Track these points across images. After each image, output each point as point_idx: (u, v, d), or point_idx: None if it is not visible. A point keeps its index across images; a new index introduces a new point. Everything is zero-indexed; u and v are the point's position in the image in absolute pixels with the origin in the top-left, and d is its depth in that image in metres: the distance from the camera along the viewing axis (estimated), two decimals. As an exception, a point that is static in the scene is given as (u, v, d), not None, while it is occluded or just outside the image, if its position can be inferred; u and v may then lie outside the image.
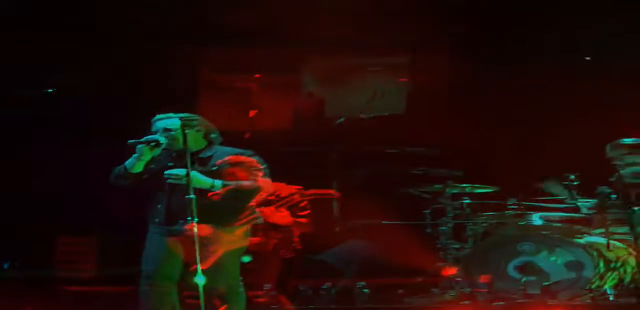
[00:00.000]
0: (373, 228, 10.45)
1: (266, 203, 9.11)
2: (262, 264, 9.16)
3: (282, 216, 9.27)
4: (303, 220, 9.37)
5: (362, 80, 11.80)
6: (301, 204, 9.45)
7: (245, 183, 7.44)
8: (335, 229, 10.51)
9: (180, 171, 7.36)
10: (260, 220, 7.82)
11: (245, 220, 7.52)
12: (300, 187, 9.53)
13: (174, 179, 7.35)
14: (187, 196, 7.12)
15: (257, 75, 11.55)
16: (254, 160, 7.60)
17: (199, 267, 7.02)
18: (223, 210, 7.43)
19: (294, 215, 9.41)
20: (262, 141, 10.67)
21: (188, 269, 7.35)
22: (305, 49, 11.31)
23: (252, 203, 7.63)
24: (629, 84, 10.67)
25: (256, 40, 10.80)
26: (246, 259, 9.10)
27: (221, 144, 7.78)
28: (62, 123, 10.86)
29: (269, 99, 11.47)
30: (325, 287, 9.58)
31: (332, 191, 9.65)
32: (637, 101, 10.55)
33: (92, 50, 10.85)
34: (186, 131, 7.47)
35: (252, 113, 11.38)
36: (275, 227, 9.24)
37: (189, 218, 7.01)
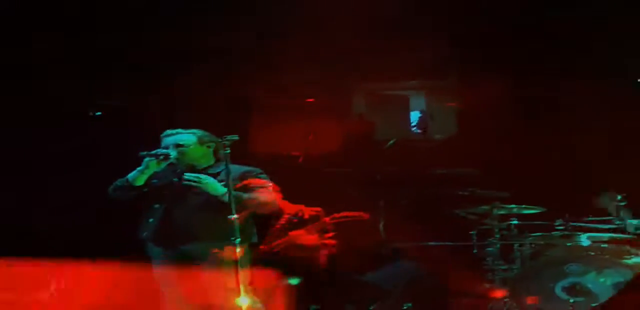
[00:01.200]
0: (420, 249, 10.46)
1: (294, 226, 9.34)
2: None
3: (311, 238, 9.39)
4: (330, 241, 9.46)
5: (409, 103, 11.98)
6: (328, 226, 9.55)
7: (252, 196, 7.52)
8: (382, 250, 10.50)
9: (201, 176, 7.45)
10: (255, 239, 7.84)
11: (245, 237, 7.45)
12: (319, 209, 9.59)
13: (193, 181, 7.41)
14: (229, 216, 7.11)
15: (310, 99, 11.73)
16: (263, 180, 7.72)
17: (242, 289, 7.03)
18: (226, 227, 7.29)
19: (321, 237, 9.53)
20: (312, 162, 10.87)
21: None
22: (353, 72, 11.41)
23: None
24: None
25: (306, 63, 10.92)
26: (294, 281, 9.37)
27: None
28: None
29: (321, 122, 11.60)
30: (372, 308, 9.65)
31: (361, 213, 9.67)
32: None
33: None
34: (203, 147, 7.69)
35: (304, 136, 11.55)
36: (302, 248, 9.36)
37: (232, 238, 7.04)
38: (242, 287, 7.02)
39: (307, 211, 9.52)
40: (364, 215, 9.62)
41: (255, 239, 7.80)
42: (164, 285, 7.62)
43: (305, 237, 9.36)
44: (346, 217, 9.55)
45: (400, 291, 9.93)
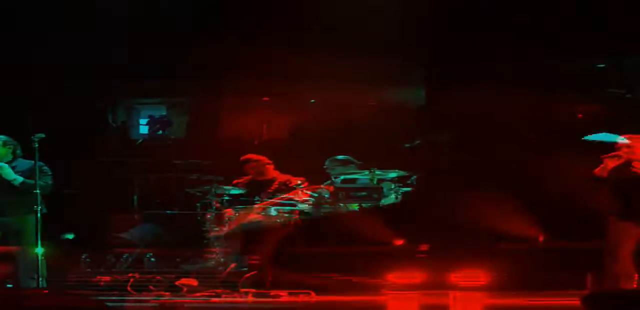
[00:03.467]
0: (161, 216, 13.13)
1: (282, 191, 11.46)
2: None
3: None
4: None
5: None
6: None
7: (36, 182, 9.89)
8: (135, 216, 13.16)
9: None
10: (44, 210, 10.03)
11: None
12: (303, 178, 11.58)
13: None
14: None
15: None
16: (46, 170, 10.11)
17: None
18: (17, 202, 9.99)
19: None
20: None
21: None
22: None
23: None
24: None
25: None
26: (70, 236, 12.08)
27: (22, 157, 10.26)
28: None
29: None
30: (125, 256, 12.12)
31: (327, 186, 11.75)
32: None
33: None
34: (5, 148, 10.09)
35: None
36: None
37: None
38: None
39: (294, 180, 11.53)
40: (330, 188, 11.62)
41: (45, 210, 10.11)
42: None
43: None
44: (319, 187, 11.50)
45: (145, 244, 12.39)
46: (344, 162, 12.51)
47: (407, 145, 12.87)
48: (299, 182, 11.62)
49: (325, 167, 12.49)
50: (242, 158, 11.50)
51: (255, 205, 11.30)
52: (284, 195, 11.48)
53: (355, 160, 12.48)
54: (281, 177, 11.67)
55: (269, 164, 11.61)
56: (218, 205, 11.74)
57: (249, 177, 11.60)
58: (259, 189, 11.52)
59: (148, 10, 12.63)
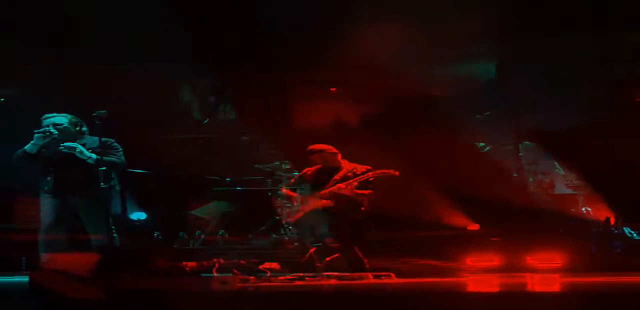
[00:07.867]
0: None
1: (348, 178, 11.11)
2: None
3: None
4: (366, 191, 11.12)
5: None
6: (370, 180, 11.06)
7: (110, 159, 10.00)
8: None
9: (73, 144, 9.80)
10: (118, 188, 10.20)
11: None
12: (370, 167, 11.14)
13: (68, 149, 9.79)
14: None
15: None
16: (117, 146, 10.15)
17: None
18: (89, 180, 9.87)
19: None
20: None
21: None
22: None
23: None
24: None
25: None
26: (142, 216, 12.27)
27: (89, 134, 10.21)
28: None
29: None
30: (198, 233, 12.68)
31: (392, 171, 11.03)
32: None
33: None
34: (72, 125, 10.05)
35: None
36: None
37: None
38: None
39: (360, 167, 11.25)
40: (396, 172, 11.03)
41: (118, 188, 10.30)
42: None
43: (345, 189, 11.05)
44: (384, 173, 11.00)
45: (217, 221, 12.70)
46: None
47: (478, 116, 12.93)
48: (365, 169, 11.41)
49: None
50: (307, 149, 11.49)
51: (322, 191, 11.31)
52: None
53: None
54: (348, 166, 11.53)
55: (335, 153, 11.49)
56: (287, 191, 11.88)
57: (318, 166, 11.58)
58: (327, 177, 11.39)
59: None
